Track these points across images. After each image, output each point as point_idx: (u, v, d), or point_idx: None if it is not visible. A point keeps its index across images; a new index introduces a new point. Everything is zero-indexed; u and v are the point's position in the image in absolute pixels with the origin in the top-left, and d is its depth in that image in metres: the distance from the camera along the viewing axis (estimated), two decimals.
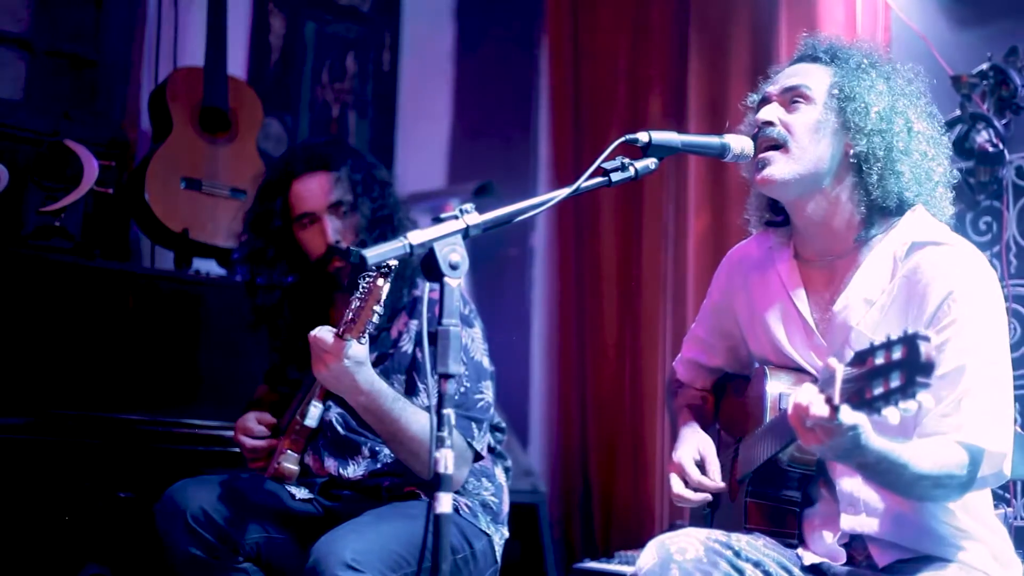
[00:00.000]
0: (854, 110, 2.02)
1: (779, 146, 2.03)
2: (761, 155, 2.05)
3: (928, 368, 1.48)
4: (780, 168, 2.03)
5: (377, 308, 2.14)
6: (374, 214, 2.72)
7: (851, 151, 2.02)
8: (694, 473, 2.14)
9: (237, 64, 4.35)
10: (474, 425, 2.52)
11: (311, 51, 4.73)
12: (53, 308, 3.27)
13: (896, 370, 1.51)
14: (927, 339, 1.50)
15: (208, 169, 3.86)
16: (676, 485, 2.15)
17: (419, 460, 2.42)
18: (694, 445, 2.19)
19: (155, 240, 3.90)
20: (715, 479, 2.14)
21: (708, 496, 2.14)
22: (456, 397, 2.49)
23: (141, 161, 3.86)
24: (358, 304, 2.17)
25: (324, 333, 2.28)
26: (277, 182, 2.77)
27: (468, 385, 2.55)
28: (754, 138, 2.08)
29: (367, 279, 2.13)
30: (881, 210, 2.03)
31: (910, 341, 1.51)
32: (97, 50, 4.14)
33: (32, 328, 3.23)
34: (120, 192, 3.85)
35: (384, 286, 2.12)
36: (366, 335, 2.23)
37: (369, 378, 2.34)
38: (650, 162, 1.99)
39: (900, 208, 2.03)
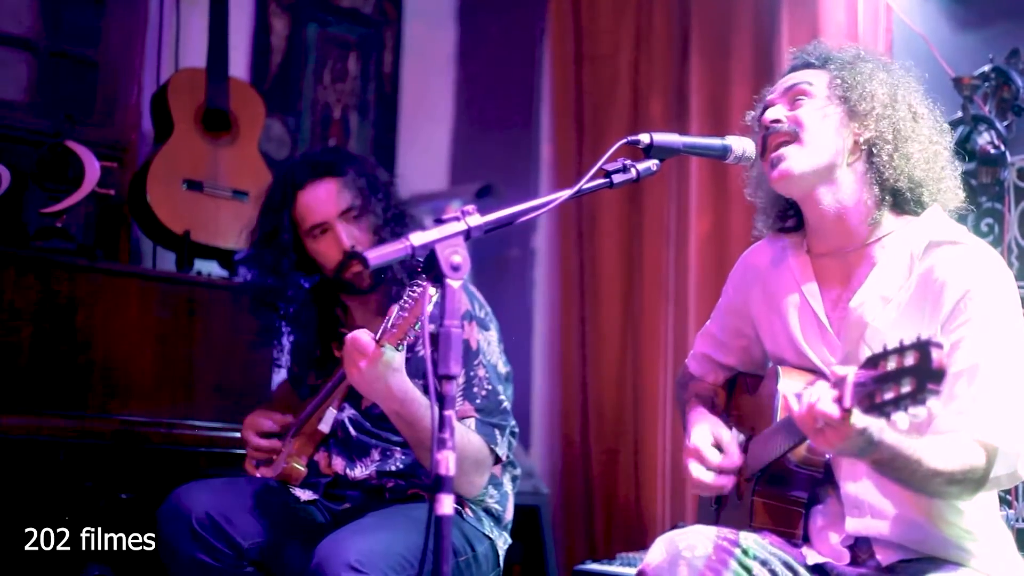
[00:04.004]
0: (858, 97, 2.04)
1: (790, 141, 2.04)
2: (774, 153, 2.05)
3: (939, 376, 1.48)
4: (797, 161, 2.03)
5: (423, 317, 2.12)
6: (384, 215, 2.70)
7: (860, 139, 2.04)
8: (713, 456, 2.08)
9: (239, 65, 4.35)
10: (496, 431, 2.51)
11: (313, 52, 4.73)
12: (54, 310, 3.27)
13: (907, 376, 1.51)
14: (940, 346, 1.49)
15: (210, 170, 3.86)
16: (695, 470, 2.08)
17: None
18: (707, 428, 2.14)
19: (156, 241, 3.90)
20: (733, 459, 2.09)
21: (729, 480, 2.07)
22: (479, 402, 2.49)
23: (143, 163, 3.86)
24: (402, 312, 2.14)
25: (362, 335, 2.24)
26: (282, 197, 2.72)
27: (490, 388, 2.53)
28: (763, 140, 2.08)
29: (417, 287, 2.10)
30: (894, 193, 2.03)
31: (922, 348, 1.50)
32: (99, 52, 4.15)
33: (33, 329, 3.23)
34: (122, 193, 3.85)
35: (435, 293, 2.03)
36: (404, 343, 2.20)
37: (403, 386, 2.29)
38: (652, 163, 1.99)
39: (912, 196, 2.03)
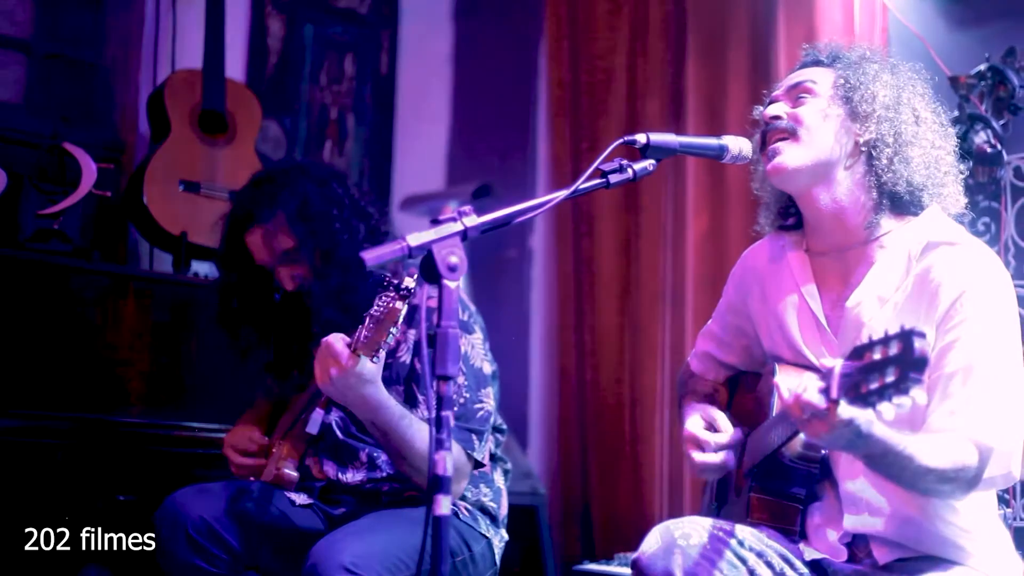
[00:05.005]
0: (860, 98, 2.04)
1: (788, 138, 2.05)
2: (771, 145, 2.06)
3: (921, 364, 1.49)
4: (791, 156, 2.04)
5: (393, 330, 2.11)
6: (323, 245, 2.63)
7: (860, 140, 2.04)
8: (707, 436, 2.11)
9: (235, 66, 4.35)
10: (474, 436, 2.51)
11: (309, 53, 4.73)
12: (52, 311, 3.27)
13: (891, 365, 1.52)
14: (922, 335, 1.50)
15: (206, 172, 3.86)
16: (695, 454, 2.11)
17: (421, 475, 2.40)
18: (698, 414, 2.18)
19: (153, 243, 3.90)
20: (728, 431, 2.11)
21: (730, 456, 2.09)
22: (456, 409, 2.49)
23: (139, 164, 3.86)
24: (373, 323, 2.13)
25: (336, 341, 2.23)
26: (232, 233, 2.72)
27: (468, 396, 2.52)
28: (763, 135, 2.09)
29: (385, 299, 2.09)
30: (892, 196, 2.03)
31: (905, 337, 1.51)
32: (96, 53, 4.15)
33: (31, 331, 3.23)
34: (119, 195, 3.85)
35: (403, 309, 2.08)
36: (380, 354, 2.20)
37: (376, 395, 2.30)
38: (648, 163, 1.99)
39: (912, 199, 2.03)
